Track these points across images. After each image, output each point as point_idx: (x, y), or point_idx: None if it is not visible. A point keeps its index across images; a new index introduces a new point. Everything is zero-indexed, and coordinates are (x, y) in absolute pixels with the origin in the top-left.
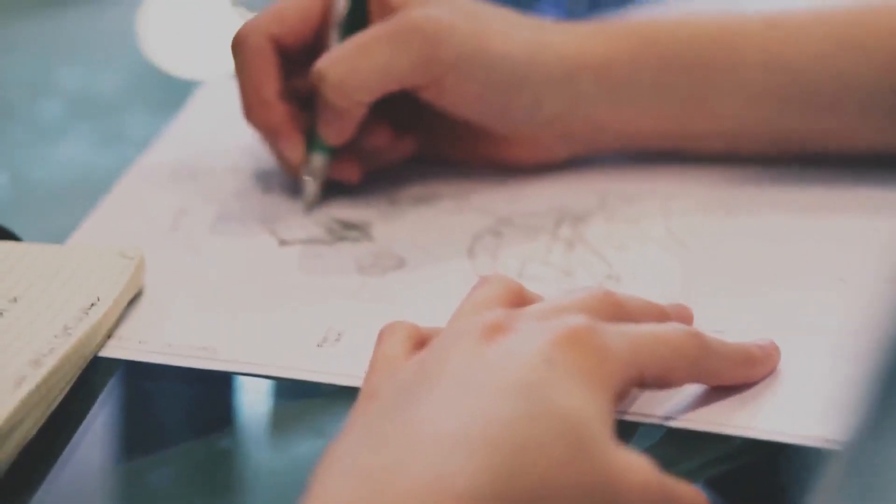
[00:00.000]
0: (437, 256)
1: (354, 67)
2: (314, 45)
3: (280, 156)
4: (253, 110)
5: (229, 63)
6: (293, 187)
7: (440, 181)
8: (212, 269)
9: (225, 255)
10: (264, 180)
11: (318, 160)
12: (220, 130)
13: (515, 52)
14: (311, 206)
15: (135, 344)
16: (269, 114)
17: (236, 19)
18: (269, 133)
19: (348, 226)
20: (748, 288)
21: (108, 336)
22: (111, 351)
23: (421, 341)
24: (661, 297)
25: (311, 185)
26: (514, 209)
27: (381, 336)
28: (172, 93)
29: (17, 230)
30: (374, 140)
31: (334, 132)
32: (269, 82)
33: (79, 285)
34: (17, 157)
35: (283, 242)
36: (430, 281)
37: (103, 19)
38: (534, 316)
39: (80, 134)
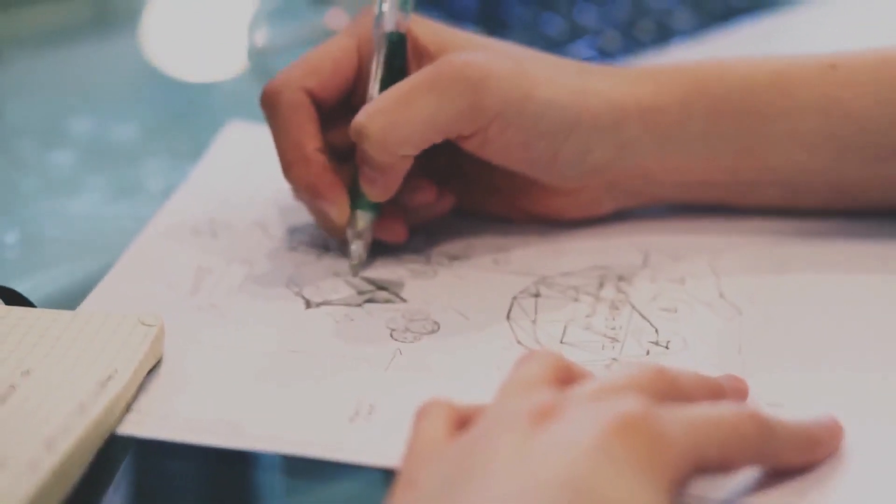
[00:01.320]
0: (474, 320)
1: (396, 120)
2: (350, 96)
3: (322, 216)
4: (293, 168)
5: (231, 66)
6: (319, 243)
7: (475, 236)
8: (235, 335)
9: (249, 320)
10: (289, 236)
11: (364, 219)
12: (240, 181)
13: (562, 98)
14: (359, 268)
15: (154, 419)
16: (310, 171)
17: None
18: (311, 192)
19: (379, 286)
20: (807, 356)
21: (126, 410)
22: (129, 427)
23: (461, 421)
24: (712, 366)
25: (358, 247)
26: (554, 267)
27: (419, 416)
28: (191, 139)
29: (28, 292)
30: (418, 197)
31: (379, 189)
32: (309, 138)
33: (95, 356)
34: (28, 212)
35: (310, 305)
36: (467, 347)
37: (113, 54)
38: (584, 399)
39: (94, 186)
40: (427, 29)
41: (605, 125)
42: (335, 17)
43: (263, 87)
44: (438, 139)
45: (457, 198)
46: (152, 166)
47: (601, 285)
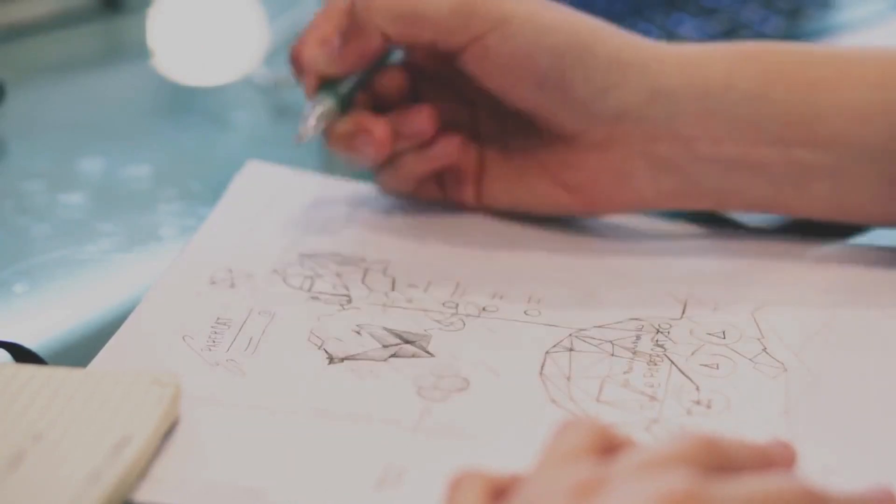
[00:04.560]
0: (505, 377)
1: None
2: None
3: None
4: (303, 36)
5: (247, 100)
6: (341, 293)
7: (505, 284)
8: (255, 393)
9: (269, 377)
10: (309, 284)
11: (327, 101)
12: (259, 226)
13: (577, 24)
14: (302, 139)
15: (171, 485)
16: (303, 49)
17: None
18: (295, 66)
19: (405, 339)
20: (857, 417)
21: (141, 476)
22: (145, 494)
23: (497, 493)
24: (757, 427)
25: (309, 118)
26: (588, 319)
27: (453, 488)
28: (206, 179)
29: (37, 346)
30: (417, 122)
31: (327, 53)
32: (332, 23)
33: (108, 418)
34: (37, 260)
35: (333, 360)
36: (499, 407)
37: (122, 87)
38: (628, 472)
39: (105, 231)
40: None
41: (629, 61)
42: None
43: None
44: (429, 34)
45: (483, 196)
46: (166, 210)
47: (638, 338)
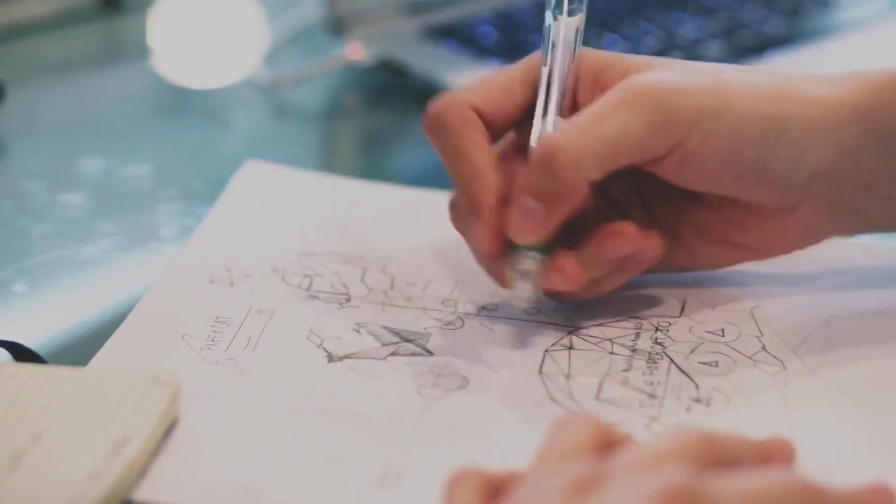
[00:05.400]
0: (504, 375)
1: (589, 137)
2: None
3: (476, 244)
4: (468, 185)
5: (247, 99)
6: (340, 290)
7: None
8: (254, 392)
9: (269, 376)
10: (308, 283)
11: (535, 259)
12: (257, 225)
13: (765, 101)
14: (528, 306)
15: (170, 484)
16: (479, 188)
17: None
18: (480, 210)
19: (404, 337)
20: (858, 414)
21: (141, 475)
22: (144, 493)
23: (494, 491)
24: (756, 424)
25: (525, 290)
26: (587, 317)
27: (451, 486)
28: (205, 178)
29: (37, 345)
30: (616, 243)
31: (538, 225)
32: (484, 154)
33: (108, 418)
34: (37, 260)
35: (332, 358)
36: (499, 405)
37: (122, 87)
38: (627, 469)
39: (105, 231)
40: (596, 55)
41: (818, 123)
42: (355, 50)
43: (426, 111)
44: (631, 159)
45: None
46: (166, 210)
47: (637, 336)
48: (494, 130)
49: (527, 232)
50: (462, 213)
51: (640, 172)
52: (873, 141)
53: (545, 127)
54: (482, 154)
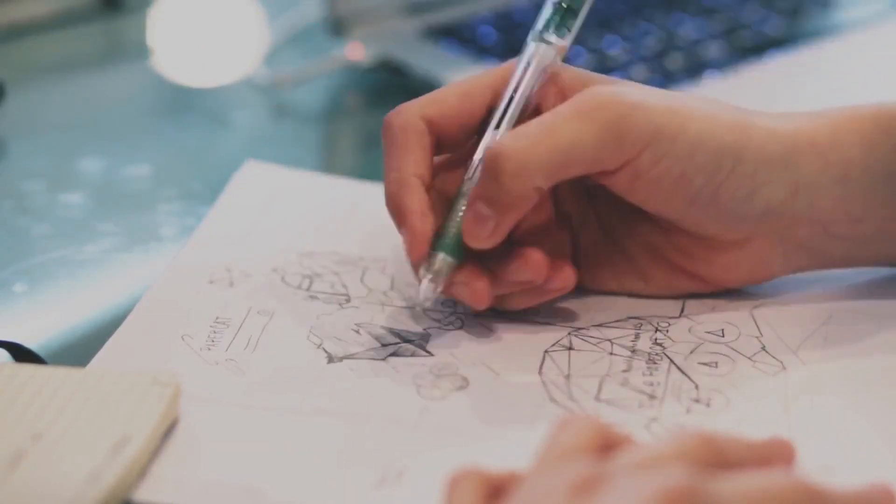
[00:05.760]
0: (504, 375)
1: (537, 145)
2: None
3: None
4: (387, 189)
5: (247, 99)
6: (340, 291)
7: None
8: (254, 392)
9: (269, 376)
10: (307, 283)
11: (442, 263)
12: (257, 225)
13: (721, 128)
14: (424, 307)
15: (170, 484)
16: (401, 194)
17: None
18: (396, 214)
19: (403, 338)
20: (858, 415)
21: (141, 475)
22: (144, 494)
23: (495, 491)
24: (756, 425)
25: (427, 288)
26: (587, 318)
27: (451, 487)
28: (205, 178)
29: (37, 346)
30: (523, 270)
31: (487, 230)
32: (412, 163)
33: (108, 418)
34: (36, 260)
35: (332, 359)
36: (498, 405)
37: (122, 86)
38: (627, 469)
39: (105, 231)
40: (570, 72)
41: (774, 158)
42: (354, 50)
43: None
44: (580, 170)
45: (591, 278)
46: (166, 210)
47: (637, 337)
48: (449, 139)
49: (477, 237)
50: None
51: (595, 189)
52: (831, 181)
53: (495, 137)
54: (412, 163)
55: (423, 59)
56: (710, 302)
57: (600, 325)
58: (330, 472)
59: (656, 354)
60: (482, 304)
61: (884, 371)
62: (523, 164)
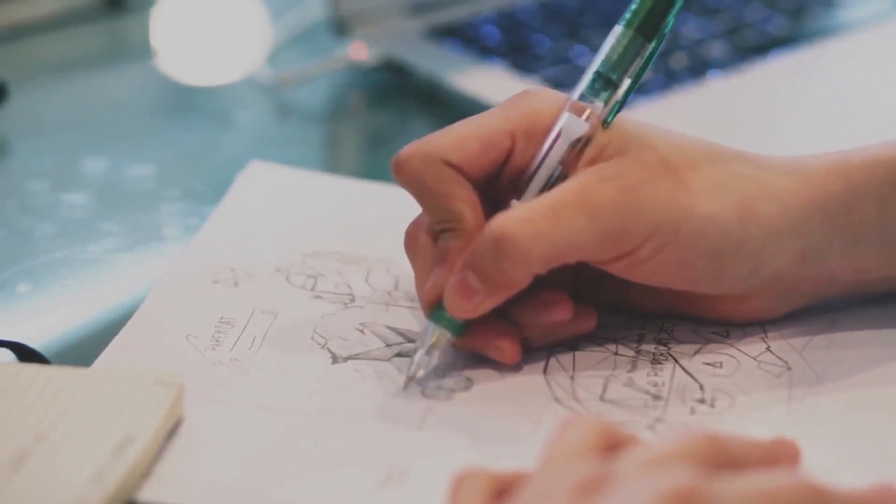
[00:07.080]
0: (508, 376)
1: (542, 236)
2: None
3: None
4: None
5: (251, 99)
6: (344, 291)
7: None
8: (258, 392)
9: (273, 376)
10: (312, 283)
11: (438, 336)
12: (261, 225)
13: (727, 212)
14: (410, 384)
15: (174, 484)
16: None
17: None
18: (415, 262)
19: (408, 338)
20: (862, 416)
21: (145, 475)
22: (147, 493)
23: (499, 491)
24: (761, 425)
25: (418, 363)
26: None
27: (455, 487)
28: (209, 178)
29: (41, 345)
30: (552, 314)
31: (473, 307)
32: (470, 208)
33: (112, 418)
34: (40, 260)
35: (336, 359)
36: (503, 405)
37: (125, 86)
38: (632, 469)
39: (108, 231)
40: (603, 136)
41: (782, 232)
42: (358, 49)
43: (395, 157)
44: (580, 259)
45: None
46: (170, 210)
47: (641, 338)
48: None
49: (460, 308)
50: (412, 242)
51: None
52: (842, 244)
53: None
54: (468, 208)
55: (427, 58)
56: None
57: (605, 326)
58: (334, 473)
59: (661, 355)
60: (513, 361)
61: (889, 372)
62: (527, 252)
